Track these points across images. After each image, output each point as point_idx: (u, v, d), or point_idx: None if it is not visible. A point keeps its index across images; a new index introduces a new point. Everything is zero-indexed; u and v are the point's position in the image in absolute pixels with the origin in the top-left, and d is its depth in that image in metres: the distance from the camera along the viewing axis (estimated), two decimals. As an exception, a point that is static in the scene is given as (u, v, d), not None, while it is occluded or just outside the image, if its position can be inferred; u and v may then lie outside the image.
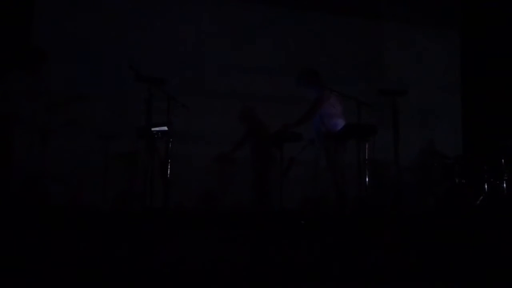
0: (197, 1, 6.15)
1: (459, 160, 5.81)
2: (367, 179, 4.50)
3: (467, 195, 5.51)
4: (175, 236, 3.86)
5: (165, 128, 4.30)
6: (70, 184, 5.17)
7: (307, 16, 6.45)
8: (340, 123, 4.84)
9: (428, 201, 5.98)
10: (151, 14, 5.92)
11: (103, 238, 3.76)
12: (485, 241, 3.86)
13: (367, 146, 4.52)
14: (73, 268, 2.71)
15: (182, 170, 4.81)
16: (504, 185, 5.29)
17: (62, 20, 5.61)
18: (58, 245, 3.35)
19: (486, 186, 5.41)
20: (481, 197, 5.34)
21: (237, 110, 5.84)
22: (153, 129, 4.25)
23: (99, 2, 5.81)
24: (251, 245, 3.53)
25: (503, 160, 5.38)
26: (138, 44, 5.73)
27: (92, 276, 2.50)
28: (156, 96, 4.19)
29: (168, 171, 4.29)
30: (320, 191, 5.14)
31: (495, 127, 6.21)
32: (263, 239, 3.79)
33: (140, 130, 4.38)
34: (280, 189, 4.75)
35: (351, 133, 4.62)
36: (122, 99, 5.53)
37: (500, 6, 7.04)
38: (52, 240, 3.50)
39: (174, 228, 3.96)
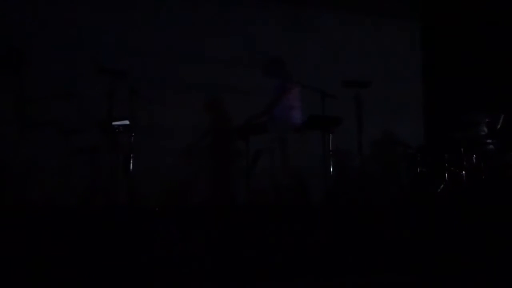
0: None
1: (421, 150, 5.94)
2: (331, 170, 4.55)
3: (428, 183, 5.64)
4: (138, 231, 3.81)
5: (127, 122, 4.21)
6: (29, 180, 5.01)
7: (270, 7, 6.42)
8: (299, 114, 4.89)
9: (391, 190, 6.11)
10: (111, 6, 5.75)
11: (65, 234, 3.67)
12: (444, 229, 3.97)
13: (331, 137, 4.57)
14: (36, 264, 2.63)
15: (145, 164, 4.73)
16: (464, 173, 5.44)
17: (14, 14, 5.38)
18: (17, 243, 3.25)
19: (446, 175, 5.55)
20: (442, 186, 5.48)
21: (201, 103, 5.78)
22: (114, 123, 4.16)
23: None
24: (214, 240, 3.51)
25: (462, 150, 5.52)
26: (99, 36, 5.56)
27: (55, 272, 2.43)
28: (118, 89, 4.10)
29: (131, 166, 4.21)
30: (281, 182, 5.16)
31: (455, 117, 6.37)
32: (227, 232, 3.78)
33: (101, 124, 4.28)
34: (246, 182, 4.74)
35: (316, 124, 4.66)
36: (82, 93, 5.37)
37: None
38: (11, 238, 3.39)
39: (137, 223, 3.90)
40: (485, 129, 5.89)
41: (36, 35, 5.25)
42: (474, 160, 5.52)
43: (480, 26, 7.19)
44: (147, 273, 2.47)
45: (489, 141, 5.81)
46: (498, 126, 5.88)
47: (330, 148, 4.52)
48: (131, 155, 4.23)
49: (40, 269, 2.57)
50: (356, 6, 6.83)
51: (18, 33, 5.19)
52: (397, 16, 7.10)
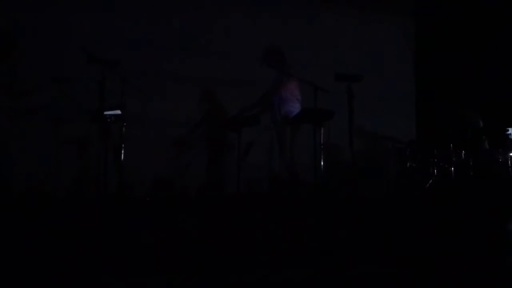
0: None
1: (410, 145, 6.00)
2: (322, 163, 4.58)
3: (417, 178, 5.70)
4: (129, 221, 3.82)
5: (118, 112, 4.20)
6: (21, 169, 4.99)
7: (264, 1, 6.40)
8: (297, 108, 4.88)
9: (380, 184, 6.16)
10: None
11: (56, 223, 3.68)
12: (432, 223, 4.03)
13: (322, 131, 4.59)
14: (26, 253, 2.64)
15: (136, 154, 4.73)
16: (452, 169, 5.50)
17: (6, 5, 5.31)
18: (9, 231, 3.25)
19: (435, 170, 5.61)
20: (431, 181, 5.54)
21: (194, 94, 5.77)
22: (105, 112, 4.14)
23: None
24: (205, 231, 3.53)
25: (451, 146, 5.58)
26: (91, 26, 5.51)
27: (43, 262, 2.44)
28: (110, 78, 4.08)
29: (122, 156, 4.21)
30: (274, 174, 5.19)
31: (447, 112, 6.42)
32: (219, 224, 3.80)
33: (93, 114, 4.27)
34: (238, 173, 4.76)
35: (308, 118, 4.67)
36: (73, 82, 5.33)
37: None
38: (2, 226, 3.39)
39: (127, 214, 3.92)
40: (475, 125, 5.95)
41: (26, 23, 5.20)
42: (463, 156, 5.58)
43: (473, 23, 7.23)
44: (134, 263, 2.49)
45: (480, 138, 5.88)
46: (481, 124, 5.95)
47: (321, 142, 4.55)
48: (122, 145, 4.23)
49: (28, 258, 2.58)
50: (351, 2, 6.84)
51: (6, 20, 5.13)
52: (390, 12, 7.12)
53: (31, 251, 2.74)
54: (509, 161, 5.48)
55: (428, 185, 5.49)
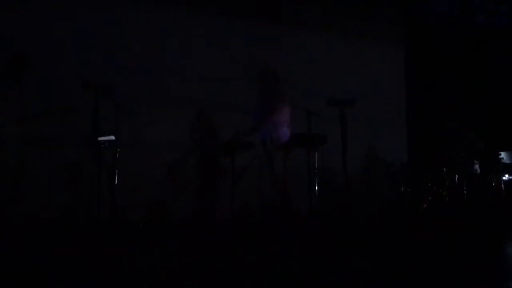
0: (147, 8, 6.05)
1: (404, 169, 6.02)
2: (316, 187, 4.58)
3: (411, 202, 5.70)
4: (122, 247, 3.77)
5: (113, 137, 4.20)
6: (14, 194, 4.94)
7: (258, 27, 6.50)
8: (287, 133, 4.92)
9: (374, 209, 6.15)
10: (98, 21, 5.76)
11: (49, 249, 3.63)
12: (426, 247, 4.00)
13: (316, 155, 4.60)
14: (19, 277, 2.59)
15: (130, 180, 4.71)
16: (446, 193, 5.52)
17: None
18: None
19: (429, 194, 5.62)
20: (425, 204, 5.54)
21: (188, 119, 5.78)
22: (100, 138, 4.14)
23: (42, 9, 5.58)
24: (200, 255, 3.49)
25: (445, 170, 5.61)
26: (85, 52, 5.55)
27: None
28: (104, 104, 4.09)
29: (115, 181, 4.19)
30: (267, 199, 5.18)
31: (438, 136, 6.48)
32: (212, 248, 3.76)
33: (87, 140, 4.26)
34: (231, 198, 4.74)
35: (302, 142, 4.69)
36: (68, 108, 5.34)
37: (441, 19, 7.41)
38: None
39: (121, 240, 3.87)
40: (468, 149, 6.00)
41: (18, 49, 5.22)
42: (456, 180, 5.60)
43: (463, 48, 7.37)
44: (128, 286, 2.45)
45: (472, 161, 5.91)
46: (481, 147, 6.00)
47: (316, 166, 4.56)
48: (116, 171, 4.21)
49: (19, 283, 2.53)
50: (342, 28, 6.97)
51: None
52: (381, 38, 7.25)
53: (22, 276, 2.69)
54: (502, 185, 5.52)
55: (422, 208, 5.49)
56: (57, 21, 5.53)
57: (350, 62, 6.94)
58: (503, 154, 5.86)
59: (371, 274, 2.92)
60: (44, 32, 5.44)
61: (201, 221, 5.41)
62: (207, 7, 6.25)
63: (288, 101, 4.93)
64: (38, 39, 5.36)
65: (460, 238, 4.65)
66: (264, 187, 5.23)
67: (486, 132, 6.42)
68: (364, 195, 6.32)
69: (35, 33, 5.38)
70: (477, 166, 5.99)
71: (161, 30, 6.01)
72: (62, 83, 5.10)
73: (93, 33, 5.63)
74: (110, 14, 5.78)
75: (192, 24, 6.19)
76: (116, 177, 4.24)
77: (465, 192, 5.51)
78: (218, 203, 5.48)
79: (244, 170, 5.21)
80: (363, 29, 7.11)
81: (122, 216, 4.69)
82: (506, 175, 5.71)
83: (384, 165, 6.26)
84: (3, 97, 4.37)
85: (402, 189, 5.79)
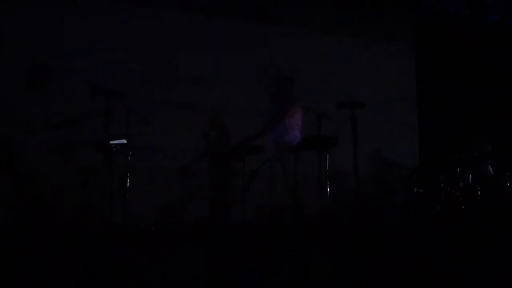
0: (160, 13, 6.09)
1: (416, 171, 5.96)
2: (328, 190, 4.55)
3: (424, 204, 5.64)
4: (134, 252, 3.78)
5: (124, 141, 4.22)
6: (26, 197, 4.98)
7: (267, 29, 6.50)
8: (298, 136, 4.91)
9: (387, 211, 6.10)
10: (109, 27, 5.80)
11: (61, 254, 3.65)
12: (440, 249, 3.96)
13: (327, 158, 4.58)
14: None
15: (142, 184, 4.72)
16: (459, 194, 5.45)
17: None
18: (12, 262, 3.22)
19: (442, 195, 5.56)
20: (438, 207, 5.48)
21: (199, 123, 5.79)
22: (111, 142, 4.16)
23: (50, 16, 5.63)
24: (211, 261, 3.49)
25: (458, 170, 5.54)
26: (97, 56, 5.60)
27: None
28: (115, 109, 4.11)
29: (127, 185, 4.21)
30: (277, 203, 5.15)
31: (450, 137, 6.42)
32: (224, 254, 3.76)
33: (98, 144, 4.28)
34: (242, 202, 4.73)
35: (312, 145, 4.67)
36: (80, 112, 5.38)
37: (452, 20, 7.35)
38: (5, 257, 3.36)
39: (133, 245, 3.87)
40: (481, 150, 5.93)
41: (30, 55, 5.28)
42: (470, 181, 5.53)
43: (473, 49, 7.31)
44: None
45: (484, 162, 5.84)
46: (490, 150, 5.94)
47: (327, 168, 4.53)
48: (128, 174, 4.23)
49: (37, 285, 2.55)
50: (352, 29, 6.95)
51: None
52: (392, 39, 7.21)
53: (35, 280, 2.71)
54: (517, 186, 5.44)
55: (435, 210, 5.43)
56: (72, 30, 5.61)
57: (361, 63, 6.91)
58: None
59: (386, 277, 2.90)
60: (60, 41, 5.52)
61: (213, 225, 5.41)
62: (220, 11, 6.27)
63: (300, 104, 4.92)
64: (55, 48, 5.43)
65: (475, 240, 4.59)
66: (276, 190, 5.21)
67: (498, 133, 6.35)
68: (376, 198, 6.27)
69: (53, 43, 5.45)
70: (490, 167, 5.92)
71: (173, 34, 6.04)
72: (77, 90, 5.14)
73: (106, 39, 5.69)
74: (124, 21, 5.84)
75: (205, 28, 6.21)
76: (128, 181, 4.25)
77: (479, 193, 5.44)
78: (230, 207, 5.46)
79: (254, 174, 5.20)
80: (374, 30, 7.08)
81: (134, 220, 4.70)
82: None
83: (395, 167, 6.21)
84: (30, 106, 4.41)
85: (414, 191, 5.73)
